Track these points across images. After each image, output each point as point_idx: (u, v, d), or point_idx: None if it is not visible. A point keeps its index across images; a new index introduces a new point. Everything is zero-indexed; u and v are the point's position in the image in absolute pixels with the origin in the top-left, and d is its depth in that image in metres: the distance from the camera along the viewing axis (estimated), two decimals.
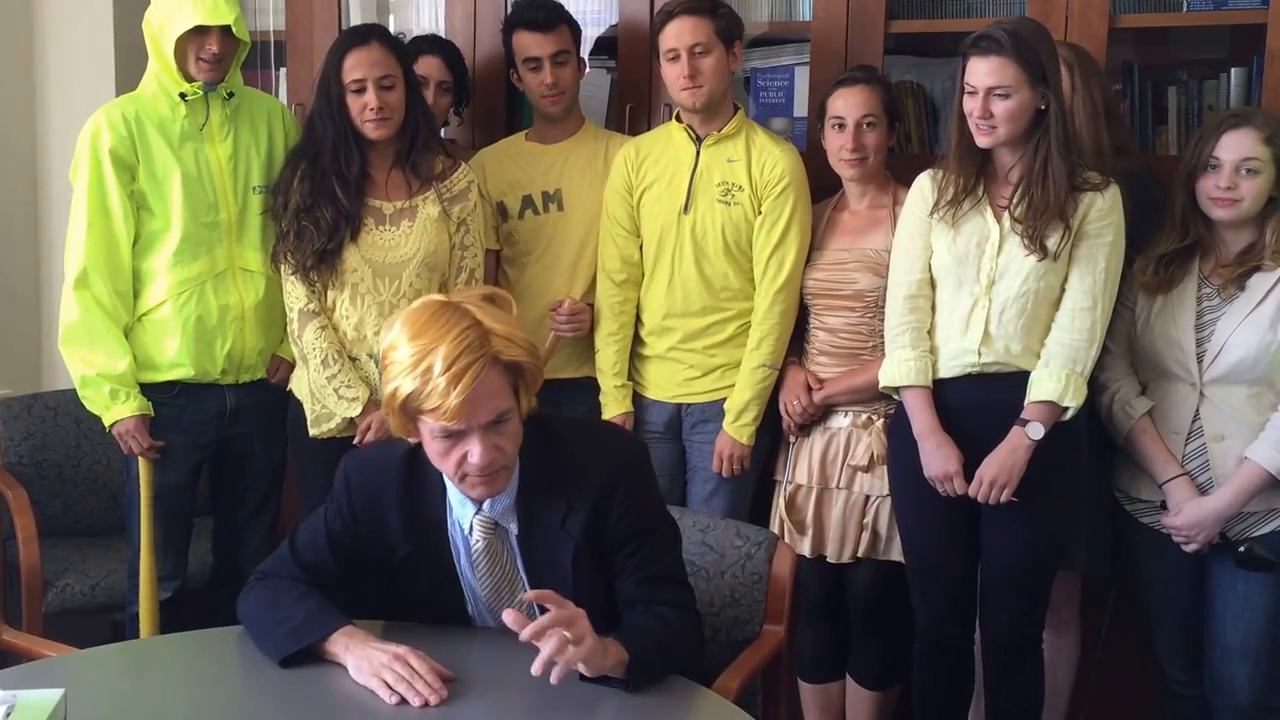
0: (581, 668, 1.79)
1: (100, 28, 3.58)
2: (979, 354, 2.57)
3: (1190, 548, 2.58)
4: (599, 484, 1.95)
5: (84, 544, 3.32)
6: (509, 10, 3.20)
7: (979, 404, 2.58)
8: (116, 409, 2.82)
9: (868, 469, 2.81)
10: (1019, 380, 2.55)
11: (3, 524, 3.21)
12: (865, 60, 3.00)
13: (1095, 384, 2.62)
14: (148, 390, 2.85)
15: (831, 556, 2.86)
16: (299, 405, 2.92)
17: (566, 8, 3.07)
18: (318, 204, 2.82)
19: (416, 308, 1.87)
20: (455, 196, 2.91)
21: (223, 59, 2.80)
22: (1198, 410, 2.56)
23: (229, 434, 2.97)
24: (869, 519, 2.82)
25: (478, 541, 1.98)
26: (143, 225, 2.85)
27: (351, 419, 2.85)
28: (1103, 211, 2.51)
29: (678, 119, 2.96)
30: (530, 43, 3.02)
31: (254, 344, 2.94)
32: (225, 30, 2.77)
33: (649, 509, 2.02)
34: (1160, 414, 2.61)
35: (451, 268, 2.90)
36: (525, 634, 1.75)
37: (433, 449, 1.89)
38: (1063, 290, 2.54)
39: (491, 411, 1.83)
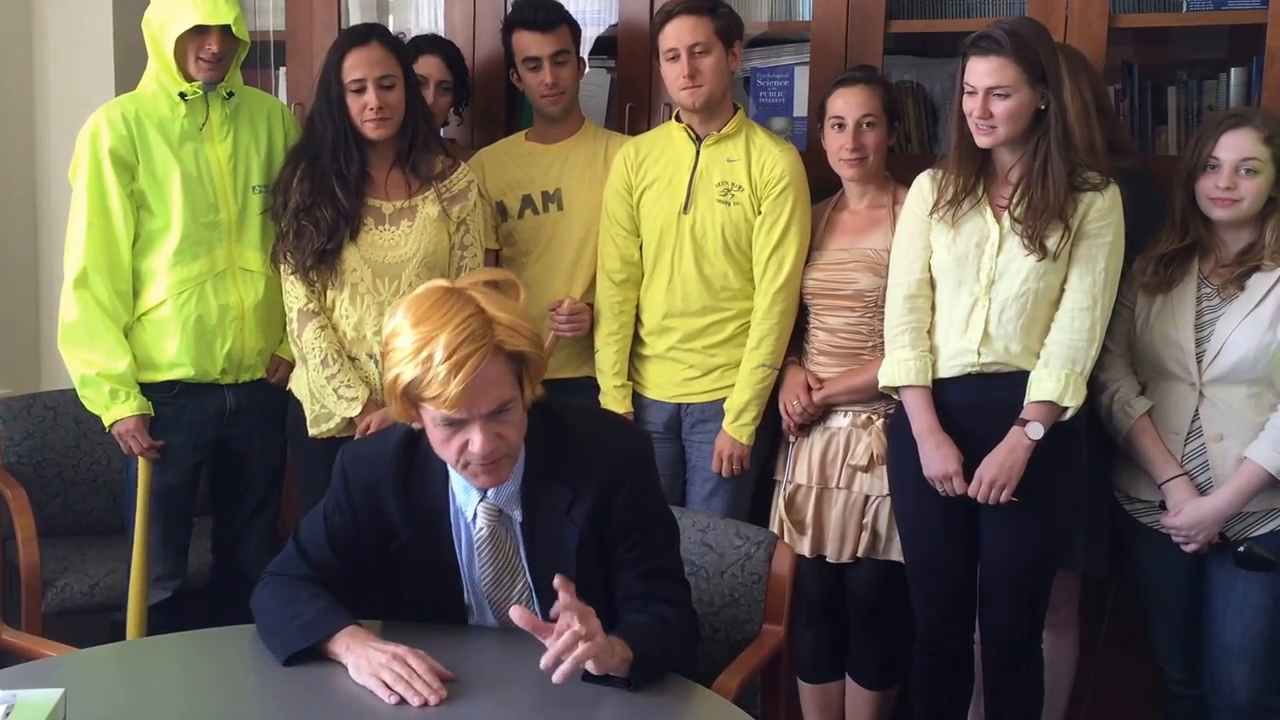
0: (589, 665, 1.79)
1: (100, 27, 3.58)
2: (978, 354, 2.57)
3: (1190, 548, 2.58)
4: (605, 474, 1.95)
5: (83, 544, 3.33)
6: (508, 10, 3.20)
7: (978, 404, 2.58)
8: (116, 409, 2.82)
9: (867, 469, 2.81)
10: (1018, 380, 2.55)
11: (2, 524, 3.21)
12: (865, 60, 3.00)
13: (1095, 384, 2.62)
14: (147, 390, 2.85)
15: (831, 556, 2.86)
16: (298, 405, 2.92)
17: (566, 7, 3.07)
18: (317, 204, 2.82)
19: (420, 294, 1.86)
20: (455, 196, 2.91)
21: (222, 58, 2.80)
22: (1197, 410, 2.56)
23: (229, 434, 2.97)
24: (869, 519, 2.82)
25: (481, 529, 1.98)
26: (142, 225, 2.85)
27: (351, 419, 2.85)
28: (1102, 211, 2.51)
29: (677, 119, 2.97)
30: (530, 42, 3.02)
31: (254, 344, 2.94)
32: (225, 30, 2.77)
33: (652, 503, 2.02)
34: (1159, 414, 2.61)
35: (451, 267, 2.90)
36: (547, 659, 1.74)
37: (435, 437, 1.88)
38: (1062, 290, 2.54)
39: (493, 401, 1.82)
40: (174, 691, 1.96)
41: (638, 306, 3.02)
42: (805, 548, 2.86)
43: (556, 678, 1.75)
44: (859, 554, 2.84)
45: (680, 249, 2.92)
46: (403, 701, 1.80)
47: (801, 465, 2.89)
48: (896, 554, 2.80)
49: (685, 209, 2.92)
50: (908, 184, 2.72)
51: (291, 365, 2.99)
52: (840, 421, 2.86)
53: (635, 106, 3.23)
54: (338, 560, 2.03)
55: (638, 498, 1.97)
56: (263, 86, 3.16)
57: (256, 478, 3.04)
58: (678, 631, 1.95)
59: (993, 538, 2.62)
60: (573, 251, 3.07)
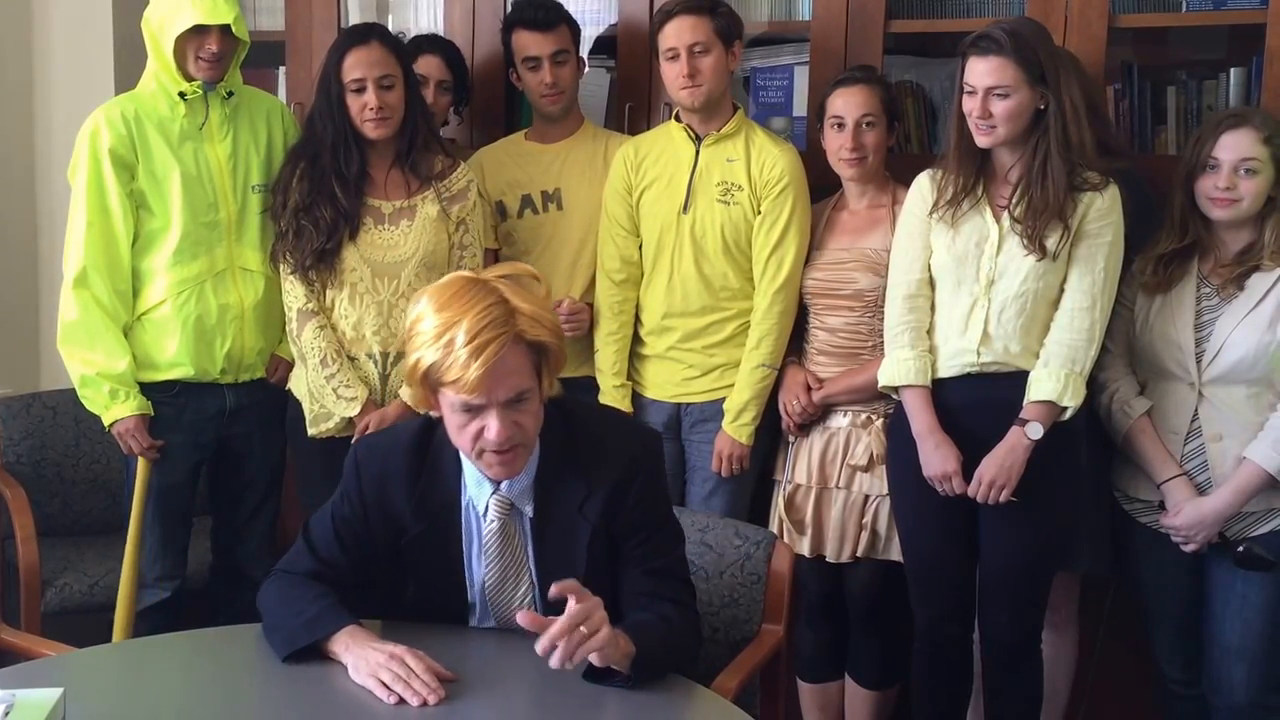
0: (593, 657, 1.79)
1: (99, 26, 3.58)
2: (978, 354, 2.57)
3: (1189, 548, 2.58)
4: (620, 470, 1.96)
5: (83, 543, 3.32)
6: (508, 9, 3.20)
7: (978, 404, 2.58)
8: (116, 408, 2.82)
9: (867, 468, 2.81)
10: (1018, 380, 2.55)
11: (2, 523, 3.20)
12: (865, 60, 3.00)
13: (1094, 384, 2.62)
14: (147, 390, 2.85)
15: (830, 556, 2.86)
16: (298, 405, 2.92)
17: (566, 7, 3.07)
18: (317, 203, 2.81)
19: (444, 282, 1.88)
20: (454, 196, 2.91)
21: (222, 58, 2.80)
22: (1196, 410, 2.56)
23: (228, 433, 2.97)
24: (868, 519, 2.82)
25: (492, 522, 1.98)
26: (142, 224, 2.85)
27: (350, 419, 2.85)
28: (1102, 211, 2.51)
29: (677, 118, 2.97)
30: (529, 42, 3.02)
31: (253, 343, 2.94)
32: (224, 29, 2.77)
33: (661, 502, 2.04)
34: (1159, 414, 2.61)
35: (450, 267, 2.89)
36: (543, 642, 1.74)
37: (452, 423, 1.89)
38: (1062, 290, 2.54)
39: (512, 389, 1.83)
40: (173, 691, 1.96)
41: (637, 306, 3.02)
42: (805, 547, 2.86)
43: (554, 662, 1.74)
44: (858, 554, 2.84)
45: (680, 249, 2.92)
46: (402, 701, 1.80)
47: (801, 465, 2.89)
48: (896, 554, 2.80)
49: (685, 209, 2.92)
50: (907, 184, 2.72)
51: (291, 365, 2.99)
52: (840, 421, 2.86)
53: (635, 106, 3.23)
54: (345, 556, 2.03)
55: (648, 495, 1.99)
56: (262, 86, 3.16)
57: (256, 477, 3.04)
58: (681, 632, 1.96)
59: (992, 538, 2.62)
60: (572, 251, 3.07)
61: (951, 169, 2.59)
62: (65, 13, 3.62)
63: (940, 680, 2.79)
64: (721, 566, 2.37)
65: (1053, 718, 2.97)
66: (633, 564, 1.98)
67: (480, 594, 2.04)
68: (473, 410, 1.85)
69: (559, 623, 1.75)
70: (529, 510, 1.99)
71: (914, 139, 3.17)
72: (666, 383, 3.00)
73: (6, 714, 1.65)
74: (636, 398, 3.02)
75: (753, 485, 3.00)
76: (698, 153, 2.92)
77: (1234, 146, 2.50)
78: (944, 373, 2.61)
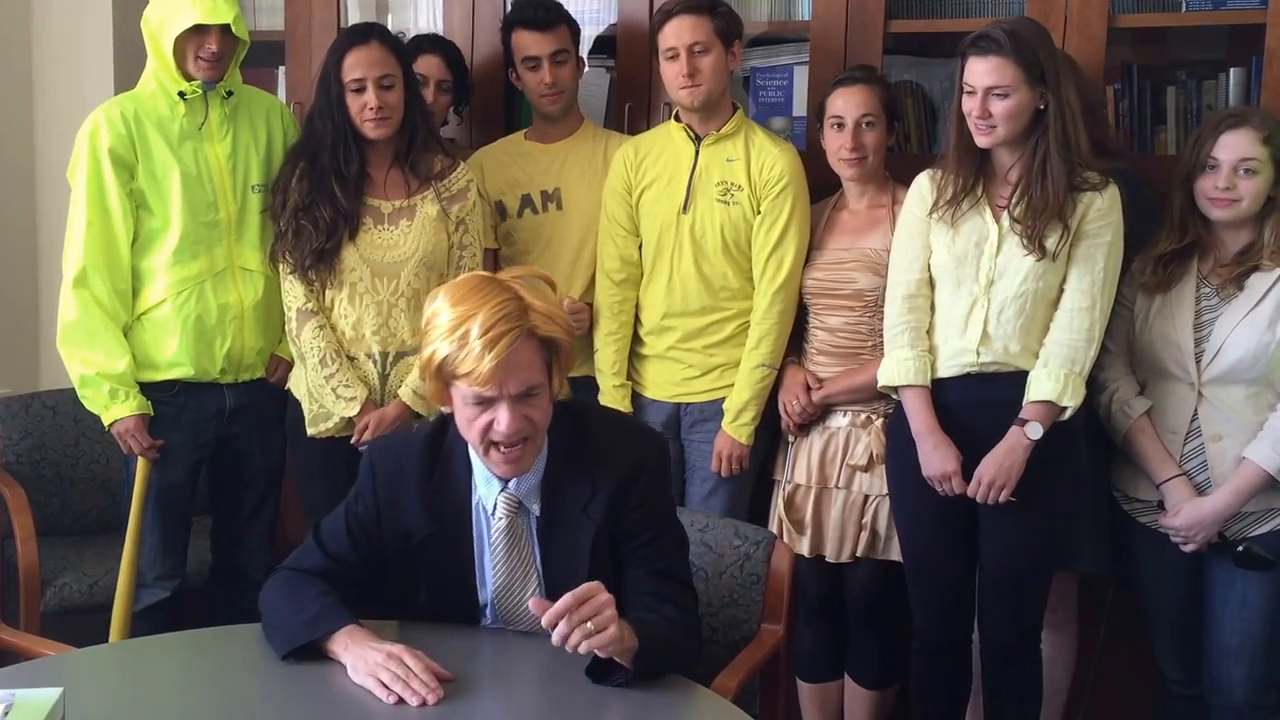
0: (597, 650, 1.80)
1: (99, 26, 3.58)
2: (977, 354, 2.57)
3: (1188, 548, 2.58)
4: (624, 470, 1.98)
5: (82, 543, 3.32)
6: (508, 9, 3.20)
7: (978, 404, 2.58)
8: (116, 408, 2.82)
9: (867, 468, 2.81)
10: (1018, 380, 2.55)
11: (1, 523, 3.20)
12: (864, 60, 3.00)
13: (1094, 384, 2.62)
14: (147, 389, 2.85)
15: (830, 556, 2.86)
16: (297, 404, 2.92)
17: (565, 7, 3.07)
18: (316, 203, 2.81)
19: (460, 280, 1.94)
20: (454, 196, 2.90)
21: (222, 58, 2.80)
22: (1196, 410, 2.56)
23: (228, 433, 2.97)
24: (868, 518, 2.82)
25: (500, 519, 2.00)
26: (142, 224, 2.85)
27: (349, 419, 2.84)
28: (1101, 211, 2.51)
29: (677, 118, 2.97)
30: (529, 42, 3.02)
31: (253, 343, 2.94)
32: (224, 29, 2.77)
33: (665, 505, 2.06)
34: (1158, 414, 2.61)
35: (450, 267, 2.89)
36: (548, 616, 1.76)
37: (463, 416, 1.92)
38: (1061, 290, 2.54)
39: (523, 382, 1.87)
40: (172, 691, 1.96)
41: (637, 306, 3.02)
42: (804, 547, 2.85)
43: (555, 638, 1.76)
44: (858, 554, 2.84)
45: (679, 249, 2.92)
46: (401, 701, 1.80)
47: (801, 465, 2.89)
48: (895, 554, 2.80)
49: (684, 209, 2.92)
50: (907, 184, 2.72)
51: (291, 365, 2.99)
52: (839, 421, 2.86)
53: (634, 106, 3.23)
54: (355, 554, 2.04)
55: (652, 497, 2.00)
56: (262, 86, 3.16)
57: (256, 477, 3.04)
58: (683, 633, 1.96)
59: (991, 538, 2.62)
60: (572, 251, 3.07)
61: (951, 169, 2.59)
62: (65, 13, 3.62)
63: (939, 680, 2.79)
64: (721, 566, 2.37)
65: (1052, 718, 2.97)
66: (636, 565, 1.99)
67: (491, 595, 2.05)
68: (484, 403, 1.88)
69: (563, 599, 1.76)
70: (536, 509, 2.00)
71: (914, 139, 3.17)
72: (666, 383, 3.00)
73: (6, 714, 1.65)
74: (636, 398, 3.02)
75: (752, 485, 3.00)
76: (697, 153, 2.92)
77: (1233, 146, 2.50)
78: (943, 373, 2.61)
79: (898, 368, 2.63)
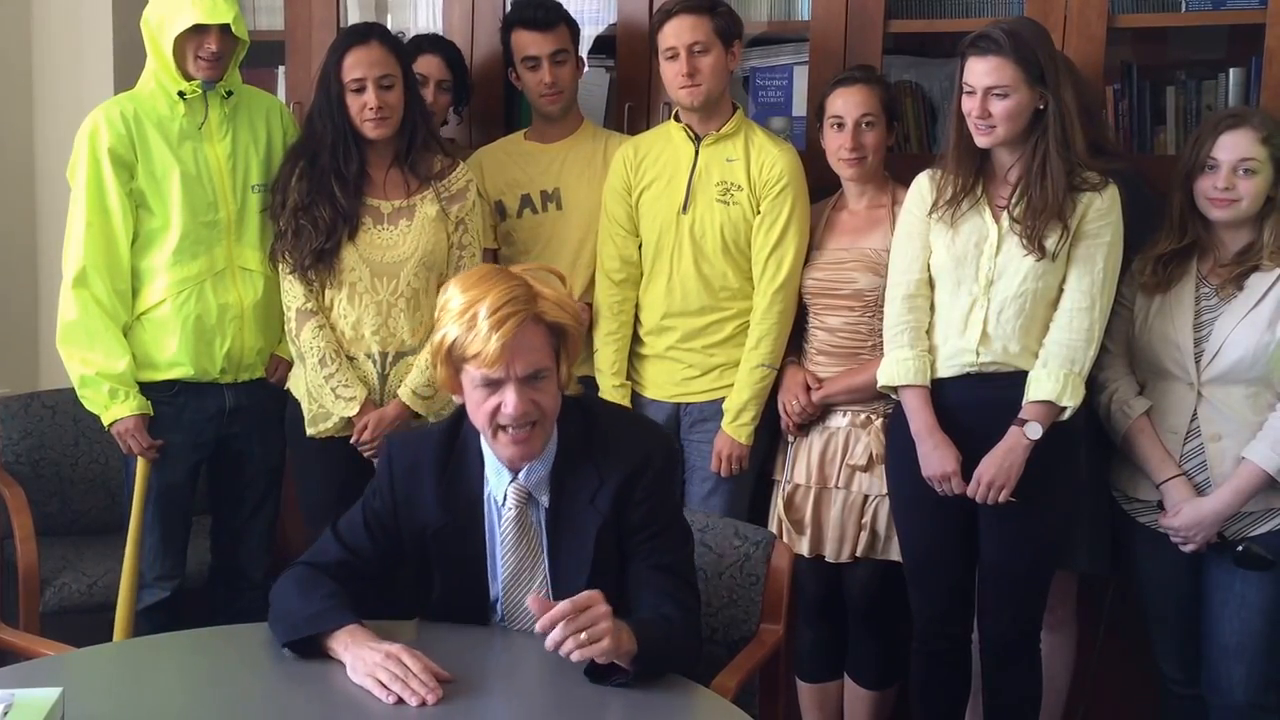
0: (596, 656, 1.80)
1: (98, 26, 3.58)
2: (977, 354, 2.57)
3: (1188, 548, 2.58)
4: (631, 465, 2.00)
5: (81, 543, 3.32)
6: (507, 9, 3.20)
7: (977, 403, 2.58)
8: (116, 408, 2.82)
9: (866, 468, 2.81)
10: (1017, 380, 2.55)
11: (0, 523, 3.20)
12: (864, 60, 3.00)
13: (1094, 383, 2.62)
14: (147, 389, 2.85)
15: (830, 556, 2.86)
16: (297, 404, 2.92)
17: (565, 6, 3.07)
18: (316, 203, 2.81)
19: (471, 270, 2.00)
20: (453, 196, 2.90)
21: (221, 57, 2.80)
22: (1195, 410, 2.56)
23: (228, 433, 2.97)
24: (867, 518, 2.82)
25: (510, 510, 2.02)
26: (141, 224, 2.84)
27: (349, 419, 2.84)
28: (1101, 211, 2.51)
29: (676, 118, 2.97)
30: (529, 41, 3.02)
31: (253, 343, 2.94)
32: (224, 29, 2.77)
33: (669, 501, 2.08)
34: (1158, 414, 2.61)
35: (449, 267, 2.89)
36: (543, 621, 1.76)
37: (472, 401, 1.95)
38: (1061, 290, 2.54)
39: (530, 365, 1.91)
40: (172, 691, 1.96)
41: (637, 306, 3.02)
42: (804, 547, 2.86)
43: (549, 643, 1.76)
44: (858, 554, 2.84)
45: (679, 249, 2.92)
46: (401, 701, 1.80)
47: (800, 465, 2.89)
48: (895, 554, 2.80)
49: (684, 209, 2.91)
50: (907, 184, 2.72)
51: (291, 364, 2.98)
52: (839, 421, 2.86)
53: (634, 106, 3.23)
54: (372, 547, 2.07)
55: (658, 492, 2.02)
56: (261, 86, 3.16)
57: (255, 477, 3.04)
58: (682, 632, 1.96)
59: (991, 538, 2.62)
60: (571, 251, 3.07)
61: (951, 169, 2.59)
62: (65, 13, 3.62)
63: (939, 680, 2.79)
64: (721, 567, 2.37)
65: (1051, 717, 2.96)
66: (640, 559, 2.01)
67: (500, 588, 2.07)
68: (492, 385, 1.91)
69: (560, 605, 1.77)
70: (545, 500, 2.02)
71: (913, 139, 3.17)
72: (666, 382, 3.00)
73: (6, 714, 1.65)
74: (636, 398, 3.02)
75: (752, 485, 3.00)
76: (697, 153, 2.92)
77: (1233, 147, 2.50)
78: (943, 373, 2.61)
79: (897, 368, 2.63)
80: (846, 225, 2.89)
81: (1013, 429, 2.52)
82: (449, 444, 2.06)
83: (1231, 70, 2.92)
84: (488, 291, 1.89)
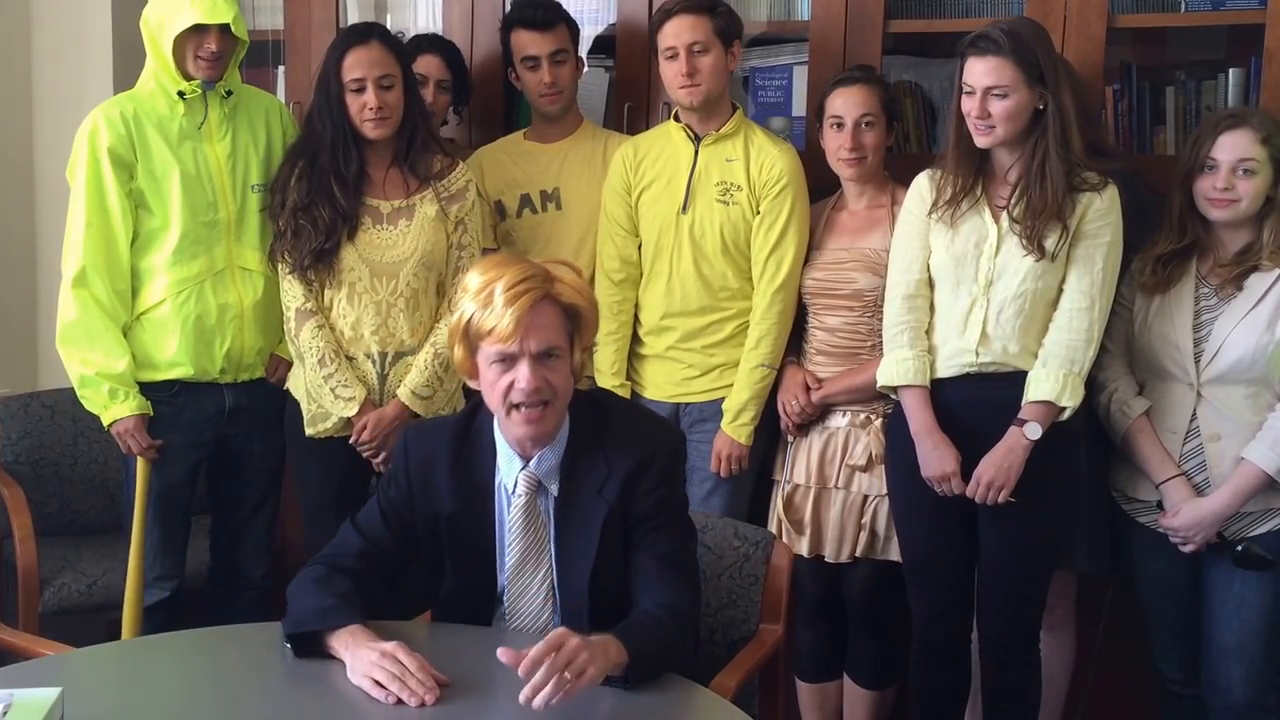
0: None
1: (98, 26, 3.58)
2: (977, 354, 2.57)
3: (1188, 548, 2.58)
4: (639, 456, 2.03)
5: (81, 543, 3.32)
6: (507, 9, 3.20)
7: (977, 404, 2.58)
8: (115, 408, 2.82)
9: (866, 468, 2.81)
10: (1017, 380, 2.55)
11: (0, 523, 3.20)
12: (864, 60, 3.00)
13: (1093, 384, 2.62)
14: (146, 389, 2.85)
15: (829, 556, 2.86)
16: (296, 404, 2.92)
17: (565, 6, 3.07)
18: (315, 203, 2.81)
19: (490, 256, 2.06)
20: (453, 196, 2.90)
21: (221, 57, 2.80)
22: (1195, 410, 2.56)
23: (227, 433, 2.97)
24: (867, 518, 2.82)
25: (519, 496, 2.04)
26: (141, 224, 2.84)
27: (348, 419, 2.84)
28: (1101, 211, 2.51)
29: (676, 118, 2.96)
30: (528, 41, 3.02)
31: (253, 343, 2.94)
32: (224, 29, 2.77)
33: (675, 494, 2.10)
34: (1157, 414, 2.61)
35: (449, 267, 2.89)
36: (526, 692, 1.72)
37: (486, 380, 1.99)
38: (1060, 290, 2.54)
39: (544, 341, 1.95)
40: (171, 691, 1.96)
41: (636, 306, 3.02)
42: (804, 548, 2.86)
43: (537, 704, 1.71)
44: (857, 554, 2.84)
45: (679, 249, 2.92)
46: (400, 701, 1.80)
47: (800, 465, 2.89)
48: (895, 554, 2.80)
49: (684, 209, 2.91)
50: (906, 184, 2.72)
51: (291, 364, 2.98)
52: (839, 421, 2.86)
53: (634, 106, 3.23)
54: (390, 536, 2.09)
55: (663, 483, 2.04)
56: (261, 86, 3.16)
57: (255, 477, 3.04)
58: (672, 632, 1.95)
59: (990, 538, 2.62)
60: (571, 251, 3.07)
61: (950, 169, 2.59)
62: (64, 13, 3.62)
63: (938, 680, 2.79)
64: (720, 567, 2.38)
65: (1051, 717, 2.96)
66: (643, 549, 2.02)
67: (506, 576, 2.08)
68: (506, 360, 1.95)
69: (534, 650, 1.71)
70: (554, 489, 2.04)
71: (913, 139, 3.17)
72: (665, 383, 3.00)
73: (5, 713, 1.65)
74: (635, 398, 3.02)
75: (751, 485, 3.00)
76: (697, 153, 2.92)
77: (1232, 147, 2.50)
78: (943, 373, 2.61)
79: (897, 368, 2.63)
80: (846, 225, 2.89)
81: (1012, 429, 2.52)
82: (463, 433, 2.10)
83: (1231, 70, 2.92)
84: (505, 271, 1.95)
